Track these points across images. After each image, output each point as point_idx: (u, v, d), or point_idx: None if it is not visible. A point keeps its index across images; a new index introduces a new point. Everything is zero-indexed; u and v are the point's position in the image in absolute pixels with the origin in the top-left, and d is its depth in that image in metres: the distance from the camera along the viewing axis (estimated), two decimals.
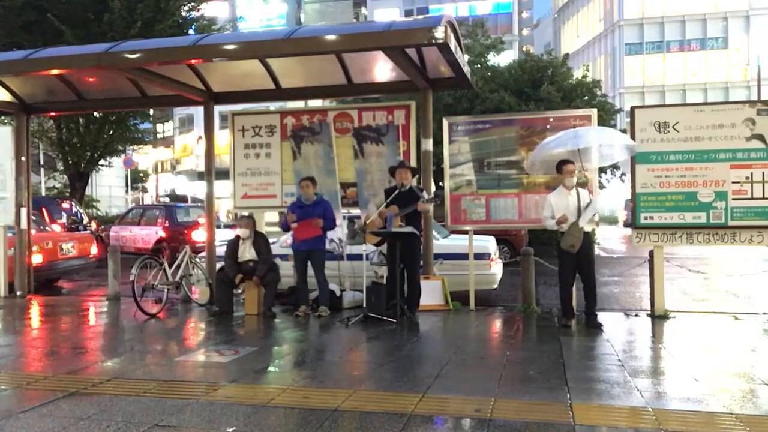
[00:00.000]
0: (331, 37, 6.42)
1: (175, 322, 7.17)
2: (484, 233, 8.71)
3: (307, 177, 7.47)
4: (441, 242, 8.52)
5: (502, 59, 22.49)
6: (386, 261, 7.17)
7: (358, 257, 7.71)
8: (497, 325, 6.90)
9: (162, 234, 15.04)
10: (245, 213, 8.01)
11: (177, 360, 5.18)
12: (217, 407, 3.82)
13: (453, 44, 6.36)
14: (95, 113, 16.52)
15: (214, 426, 3.51)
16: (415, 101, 8.10)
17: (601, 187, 15.37)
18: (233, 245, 7.51)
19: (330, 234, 7.60)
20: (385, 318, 6.64)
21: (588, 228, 6.34)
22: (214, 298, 7.80)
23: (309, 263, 7.31)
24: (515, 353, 5.39)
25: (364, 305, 7.00)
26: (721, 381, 4.35)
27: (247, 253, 7.43)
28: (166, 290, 7.58)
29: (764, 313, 7.05)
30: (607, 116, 18.32)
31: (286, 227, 7.41)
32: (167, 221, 15.35)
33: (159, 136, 39.63)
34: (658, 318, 6.78)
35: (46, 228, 11.91)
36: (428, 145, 7.90)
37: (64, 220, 15.25)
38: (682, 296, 9.03)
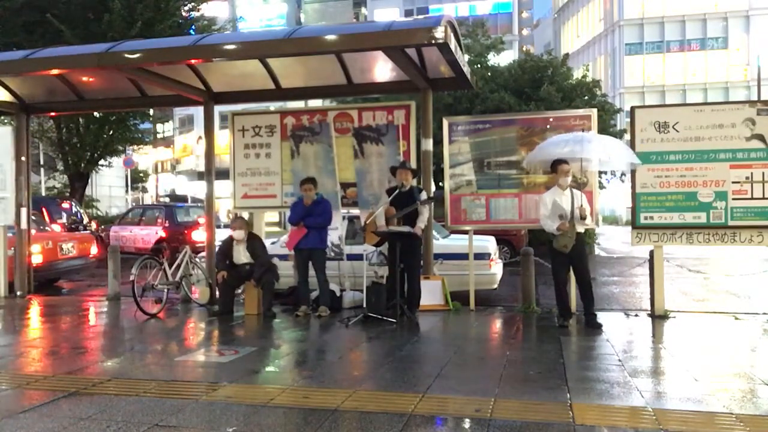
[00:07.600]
0: (331, 37, 6.43)
1: (175, 322, 7.17)
2: (484, 233, 8.71)
3: (307, 179, 7.44)
4: (441, 242, 8.51)
5: (502, 59, 22.47)
6: (386, 261, 7.16)
7: (358, 257, 7.71)
8: (497, 325, 6.90)
9: (162, 234, 15.04)
10: (239, 214, 7.98)
11: (177, 360, 5.18)
12: (217, 407, 3.82)
13: (453, 44, 6.36)
14: (95, 113, 16.52)
15: (214, 426, 3.51)
16: (415, 101, 8.10)
17: (601, 187, 15.32)
18: (226, 245, 7.50)
19: None
20: (385, 318, 6.64)
21: (581, 229, 6.34)
22: (214, 298, 7.80)
23: (310, 263, 7.30)
24: (515, 353, 5.39)
25: (364, 305, 7.00)
26: (721, 381, 4.35)
27: (242, 256, 7.41)
28: (166, 290, 7.57)
29: (764, 313, 7.04)
30: (606, 116, 18.30)
31: (293, 220, 7.36)
32: (167, 221, 15.35)
33: (159, 136, 39.62)
34: (658, 318, 6.78)
35: (46, 228, 11.91)
36: (428, 145, 7.90)
37: (64, 220, 15.24)
38: (682, 296, 9.03)
